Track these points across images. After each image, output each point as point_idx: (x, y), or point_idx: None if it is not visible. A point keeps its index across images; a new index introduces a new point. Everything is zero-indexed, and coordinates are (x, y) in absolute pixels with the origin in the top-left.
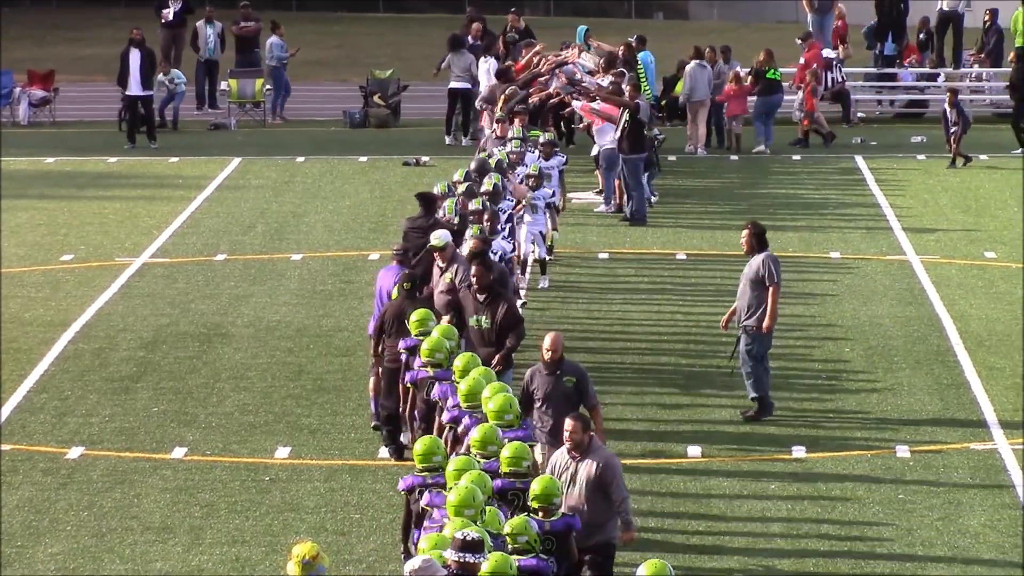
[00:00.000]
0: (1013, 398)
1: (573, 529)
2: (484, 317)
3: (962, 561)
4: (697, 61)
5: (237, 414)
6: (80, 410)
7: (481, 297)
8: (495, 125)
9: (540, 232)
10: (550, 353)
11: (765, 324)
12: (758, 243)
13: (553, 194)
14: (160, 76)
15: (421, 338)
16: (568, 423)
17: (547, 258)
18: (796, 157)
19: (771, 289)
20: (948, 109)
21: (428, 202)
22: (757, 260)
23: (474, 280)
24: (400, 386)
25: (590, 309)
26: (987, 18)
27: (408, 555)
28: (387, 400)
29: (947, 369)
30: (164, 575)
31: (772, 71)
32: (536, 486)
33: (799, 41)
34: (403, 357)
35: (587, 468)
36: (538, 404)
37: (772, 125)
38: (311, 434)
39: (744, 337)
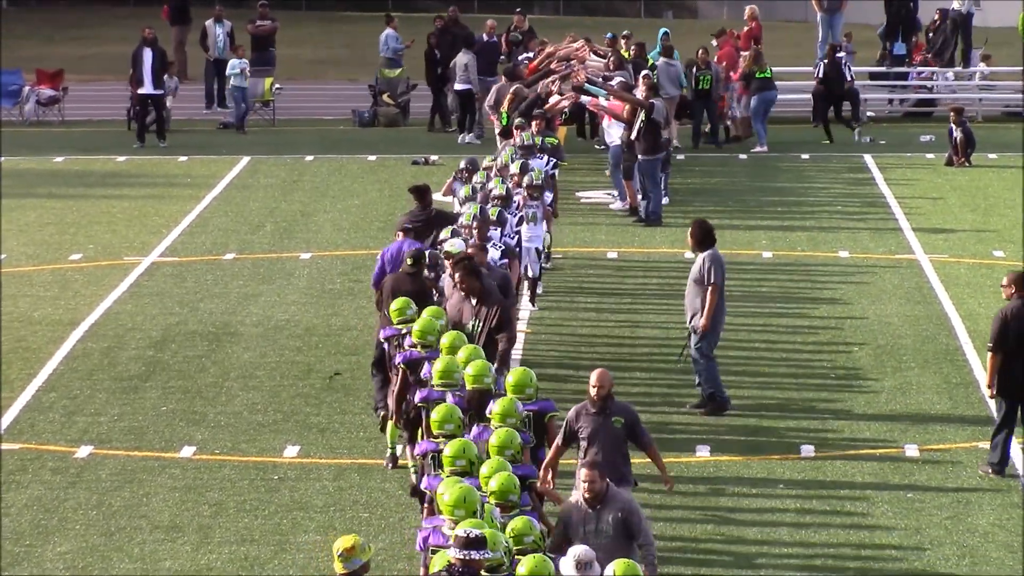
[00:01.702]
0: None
1: None
2: (474, 321)
3: (971, 560)
4: (665, 59)
5: (246, 413)
6: (89, 409)
7: (474, 301)
8: (515, 131)
9: (537, 248)
10: (596, 389)
11: (701, 324)
12: (700, 241)
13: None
14: (236, 60)
15: (400, 327)
16: (585, 472)
17: (544, 268)
18: (805, 156)
19: (709, 290)
20: (953, 128)
21: (421, 193)
22: (699, 259)
23: (460, 287)
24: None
25: (599, 308)
26: (936, 17)
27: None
28: (378, 373)
29: (956, 368)
30: (173, 574)
31: (761, 71)
32: (494, 483)
33: (713, 40)
34: (384, 347)
35: (610, 516)
36: (583, 444)
37: (766, 123)
38: (320, 433)
39: (694, 337)
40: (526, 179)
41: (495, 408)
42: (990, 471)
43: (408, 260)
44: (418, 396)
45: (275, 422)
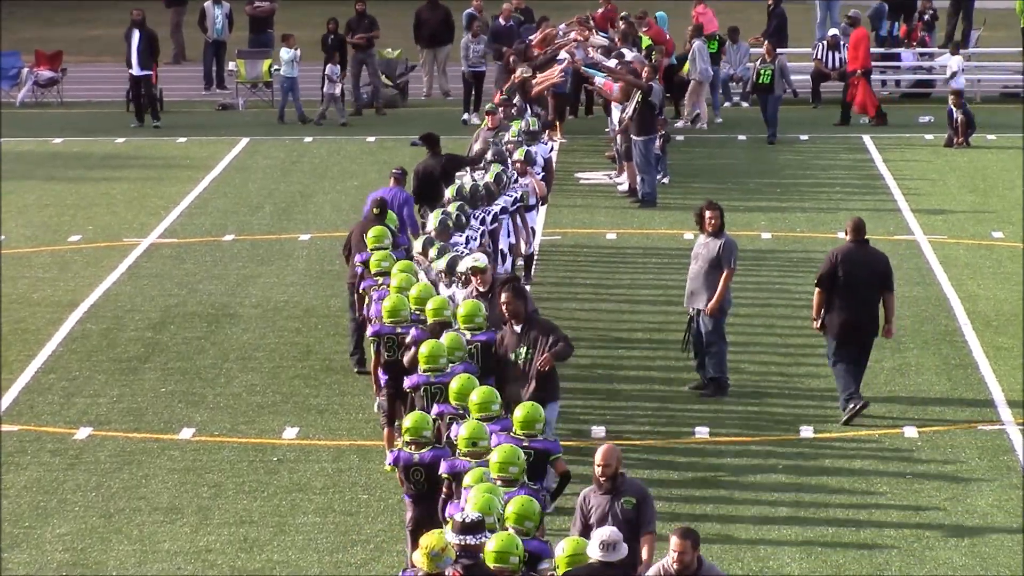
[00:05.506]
0: (1021, 378)
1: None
2: (523, 349)
3: (969, 541)
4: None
5: (245, 395)
6: (88, 391)
7: (518, 328)
8: (486, 117)
9: (503, 249)
10: (602, 468)
11: (711, 306)
12: (721, 226)
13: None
14: (286, 49)
15: (376, 251)
16: (675, 542)
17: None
18: (804, 137)
19: (726, 273)
20: (954, 110)
21: (432, 142)
22: (717, 243)
23: (505, 309)
24: (357, 297)
25: (597, 290)
26: (770, 2)
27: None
28: (350, 312)
29: (955, 349)
30: (172, 558)
31: (709, 44)
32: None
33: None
34: (358, 270)
35: None
36: (592, 529)
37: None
38: (319, 414)
39: (704, 319)
40: (492, 176)
41: (443, 342)
42: (854, 406)
43: (374, 209)
44: (370, 330)
45: (274, 404)
